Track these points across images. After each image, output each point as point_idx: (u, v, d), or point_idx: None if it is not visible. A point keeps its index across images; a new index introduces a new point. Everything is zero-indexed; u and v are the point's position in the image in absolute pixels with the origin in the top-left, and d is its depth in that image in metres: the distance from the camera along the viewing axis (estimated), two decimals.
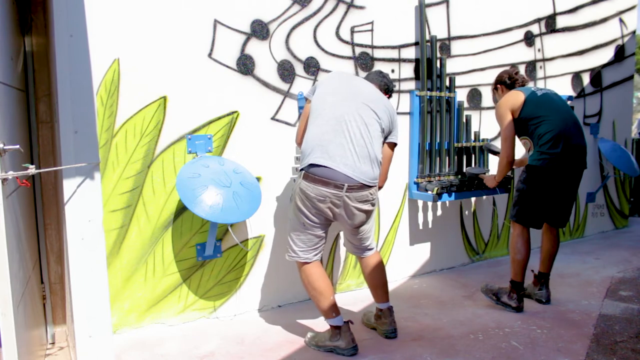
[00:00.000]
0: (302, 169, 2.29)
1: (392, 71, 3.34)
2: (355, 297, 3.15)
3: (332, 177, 2.20)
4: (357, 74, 3.19)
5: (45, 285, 2.55)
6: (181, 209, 2.66)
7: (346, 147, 2.22)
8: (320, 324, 2.67)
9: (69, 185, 1.90)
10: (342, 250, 3.22)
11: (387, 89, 2.55)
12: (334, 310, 2.34)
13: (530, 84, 3.98)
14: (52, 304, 2.59)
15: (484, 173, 3.39)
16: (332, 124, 2.24)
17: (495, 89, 3.11)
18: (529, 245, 2.87)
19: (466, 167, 3.62)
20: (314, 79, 3.03)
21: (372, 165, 2.28)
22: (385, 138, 2.41)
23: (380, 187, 2.42)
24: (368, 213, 2.35)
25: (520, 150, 3.32)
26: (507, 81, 3.01)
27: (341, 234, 3.20)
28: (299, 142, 2.44)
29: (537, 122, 2.78)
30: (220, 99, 2.74)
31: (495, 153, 3.28)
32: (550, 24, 4.22)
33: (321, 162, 2.21)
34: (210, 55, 2.70)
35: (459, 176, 3.52)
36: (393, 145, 2.46)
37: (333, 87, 2.34)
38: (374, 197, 2.35)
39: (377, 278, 2.53)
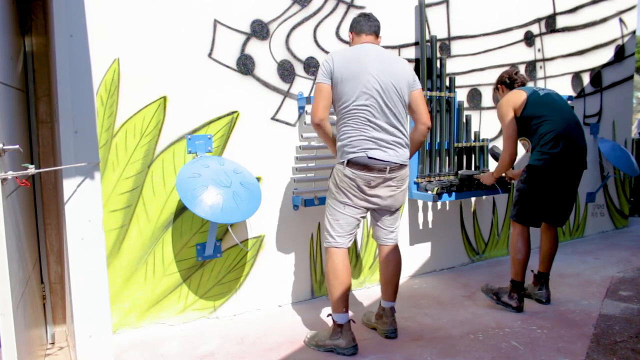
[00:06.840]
0: (344, 161, 2.35)
1: None
2: (355, 297, 3.15)
3: (374, 164, 2.32)
4: None
5: (45, 285, 2.55)
6: (181, 209, 2.66)
7: (382, 137, 2.33)
8: (321, 325, 2.67)
9: (69, 185, 1.90)
10: None
11: (379, 30, 2.53)
12: (345, 305, 2.37)
13: (530, 84, 3.99)
14: (52, 304, 2.59)
15: (478, 174, 3.38)
16: (364, 117, 2.32)
17: (496, 89, 3.15)
18: (529, 245, 2.87)
19: (465, 168, 3.62)
20: (314, 80, 3.03)
21: (404, 148, 2.42)
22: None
23: (429, 128, 2.52)
24: (404, 192, 2.50)
25: (520, 151, 3.32)
26: (507, 81, 3.06)
27: None
28: (318, 120, 2.36)
29: (538, 122, 2.79)
30: (220, 99, 2.74)
31: (496, 157, 3.28)
32: (550, 24, 4.22)
33: (362, 154, 2.32)
34: (210, 55, 2.70)
35: (458, 176, 3.52)
36: (419, 90, 2.50)
37: (349, 76, 2.31)
38: (407, 175, 2.50)
39: (392, 273, 2.58)
